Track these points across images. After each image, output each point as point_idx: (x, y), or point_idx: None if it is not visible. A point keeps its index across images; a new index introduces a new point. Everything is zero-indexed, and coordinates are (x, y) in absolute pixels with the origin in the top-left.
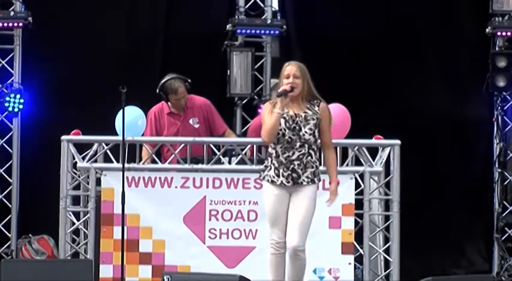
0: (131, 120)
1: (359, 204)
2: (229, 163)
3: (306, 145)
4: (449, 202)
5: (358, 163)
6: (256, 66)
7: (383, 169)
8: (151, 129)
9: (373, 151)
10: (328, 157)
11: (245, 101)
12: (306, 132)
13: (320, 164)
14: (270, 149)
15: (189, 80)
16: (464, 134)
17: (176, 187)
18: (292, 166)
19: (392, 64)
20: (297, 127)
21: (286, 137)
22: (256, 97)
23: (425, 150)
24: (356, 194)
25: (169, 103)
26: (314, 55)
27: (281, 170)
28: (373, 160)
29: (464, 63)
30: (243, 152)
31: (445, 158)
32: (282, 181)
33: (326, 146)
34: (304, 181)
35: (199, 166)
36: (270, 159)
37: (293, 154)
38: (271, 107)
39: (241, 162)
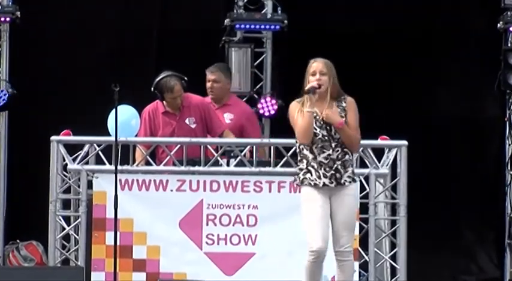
0: (124, 120)
1: (364, 208)
2: (228, 164)
3: (340, 144)
4: (458, 206)
5: (363, 164)
6: (256, 63)
7: (389, 171)
8: (146, 130)
9: (379, 152)
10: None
11: (244, 99)
12: (336, 131)
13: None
14: (304, 151)
15: (185, 78)
16: (475, 134)
17: (172, 190)
18: (335, 166)
19: (399, 61)
20: (328, 127)
21: (319, 136)
22: (256, 95)
23: (433, 151)
24: (361, 198)
25: (164, 102)
26: (313, 49)
27: (322, 171)
28: (379, 162)
29: (474, 60)
30: (242, 153)
31: (454, 160)
32: (324, 183)
33: None
34: (346, 180)
35: (196, 168)
36: (305, 161)
37: (331, 154)
38: (300, 107)
39: (240, 164)
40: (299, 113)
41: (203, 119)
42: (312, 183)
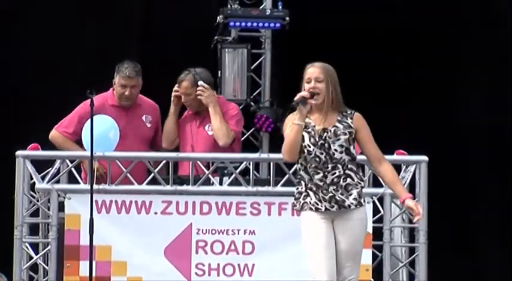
0: (101, 132)
1: (378, 234)
2: (220, 183)
3: (340, 166)
4: (485, 231)
5: (376, 183)
6: (253, 67)
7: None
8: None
9: (395, 170)
10: (386, 172)
11: (240, 108)
12: (336, 150)
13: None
14: (301, 172)
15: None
16: (503, 148)
17: (156, 213)
18: (330, 189)
19: (417, 65)
20: (326, 144)
21: (312, 155)
22: (253, 104)
23: (456, 167)
24: (374, 222)
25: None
26: (320, 51)
27: (320, 194)
28: None
29: (502, 65)
30: (237, 170)
31: (480, 177)
32: (326, 206)
33: (376, 160)
34: (352, 204)
35: (184, 187)
36: (303, 183)
37: (326, 177)
38: (293, 119)
39: (235, 182)
40: (290, 126)
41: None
42: (313, 207)
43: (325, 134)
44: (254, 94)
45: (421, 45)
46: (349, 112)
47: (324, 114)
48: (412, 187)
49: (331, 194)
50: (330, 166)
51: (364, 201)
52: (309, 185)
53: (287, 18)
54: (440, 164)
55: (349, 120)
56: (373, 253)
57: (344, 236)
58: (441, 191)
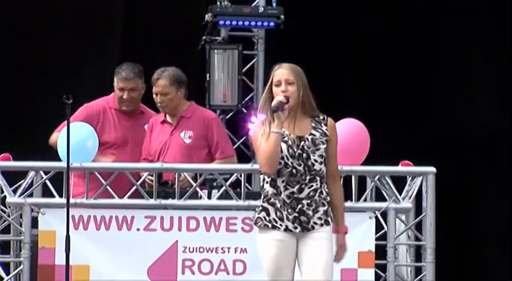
0: (79, 141)
1: (381, 252)
2: (209, 197)
3: (318, 178)
4: (498, 251)
5: (379, 197)
6: (244, 69)
7: (413, 206)
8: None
9: (400, 182)
10: (335, 194)
11: (230, 115)
12: (315, 160)
13: None
14: (265, 184)
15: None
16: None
17: (138, 230)
18: (300, 206)
19: (424, 67)
20: (304, 154)
21: (290, 168)
22: (244, 110)
23: (466, 180)
24: (377, 239)
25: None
26: (317, 52)
27: (285, 212)
28: (400, 194)
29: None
30: (227, 182)
31: (492, 191)
32: (287, 226)
33: (331, 177)
34: (316, 224)
35: (169, 201)
36: (263, 197)
37: (301, 190)
38: (264, 128)
39: (225, 196)
40: (263, 136)
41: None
42: (271, 225)
43: (302, 143)
44: (246, 99)
45: (422, 49)
46: (321, 117)
47: (295, 120)
48: (418, 200)
49: (295, 214)
50: (308, 178)
51: (330, 219)
52: (272, 200)
53: (282, 17)
54: (446, 174)
55: (324, 127)
56: (376, 273)
57: (311, 255)
58: (446, 204)
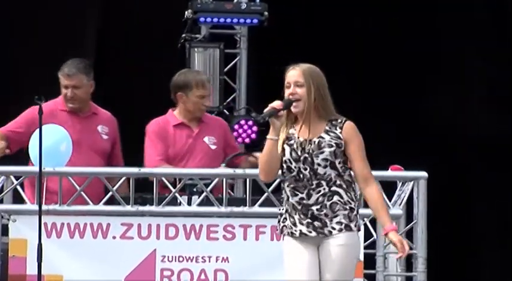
0: (51, 145)
1: (370, 261)
2: (189, 203)
3: (324, 182)
4: (490, 259)
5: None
6: (226, 69)
7: (403, 212)
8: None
9: (390, 187)
10: (371, 196)
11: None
12: (318, 164)
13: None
14: (283, 190)
15: None
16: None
17: (114, 238)
18: (311, 212)
19: (417, 69)
20: (309, 158)
21: (294, 173)
22: (226, 111)
23: (459, 185)
24: (366, 248)
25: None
26: (304, 51)
27: (296, 217)
28: (390, 200)
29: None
30: (208, 188)
31: (487, 197)
32: (301, 231)
33: (362, 179)
34: (334, 229)
35: (147, 207)
36: (283, 204)
37: (309, 196)
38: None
39: (206, 202)
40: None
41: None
42: (290, 232)
43: (309, 146)
44: (228, 100)
45: (416, 47)
46: (339, 121)
47: (309, 123)
48: (409, 207)
49: (309, 219)
50: (314, 182)
51: (355, 224)
52: (286, 206)
53: (266, 13)
54: (439, 178)
55: (338, 130)
56: None
57: (326, 266)
58: (439, 211)
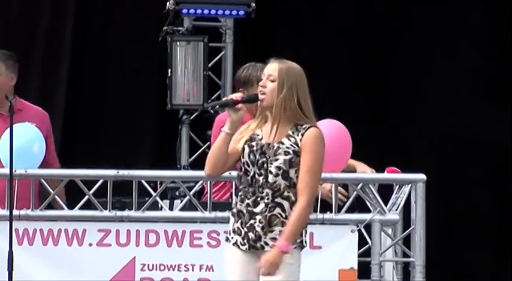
0: (23, 145)
1: (364, 270)
2: (171, 208)
3: (270, 192)
4: (492, 267)
5: (363, 208)
6: (211, 64)
7: (400, 218)
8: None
9: (386, 191)
10: (293, 212)
11: (194, 115)
12: (270, 172)
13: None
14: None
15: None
16: None
17: (91, 245)
18: (252, 222)
19: (413, 67)
20: (265, 164)
21: (249, 176)
22: (211, 110)
23: (458, 188)
24: (360, 255)
25: None
26: (292, 45)
27: (237, 225)
28: (386, 204)
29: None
30: (191, 191)
31: (486, 200)
32: (236, 241)
33: (298, 192)
34: (267, 244)
35: (126, 212)
36: (232, 204)
37: (256, 204)
38: (245, 128)
39: (189, 207)
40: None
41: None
42: (226, 237)
43: (268, 150)
44: (212, 98)
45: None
46: (303, 126)
47: (277, 126)
48: (406, 211)
49: (245, 230)
50: (264, 191)
51: (294, 242)
52: (234, 210)
53: (253, 5)
54: (437, 181)
55: (299, 137)
56: None
57: None
58: (438, 214)
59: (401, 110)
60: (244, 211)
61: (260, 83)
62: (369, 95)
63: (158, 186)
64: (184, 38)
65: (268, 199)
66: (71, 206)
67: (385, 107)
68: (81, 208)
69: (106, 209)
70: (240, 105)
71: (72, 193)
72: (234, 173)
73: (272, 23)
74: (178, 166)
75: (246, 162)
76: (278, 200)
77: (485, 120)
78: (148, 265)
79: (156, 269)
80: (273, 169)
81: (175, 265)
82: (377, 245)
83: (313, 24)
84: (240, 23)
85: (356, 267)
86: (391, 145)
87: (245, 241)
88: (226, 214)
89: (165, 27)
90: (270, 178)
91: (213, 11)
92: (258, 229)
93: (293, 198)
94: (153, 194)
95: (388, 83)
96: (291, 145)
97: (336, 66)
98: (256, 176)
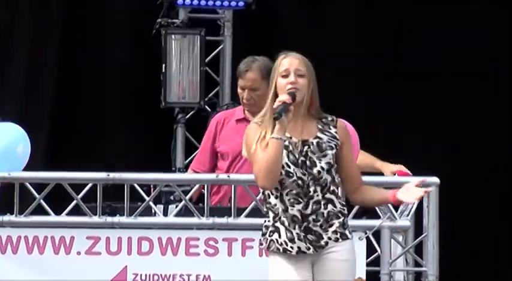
0: (6, 146)
1: (374, 279)
2: (165, 213)
3: (319, 188)
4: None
5: (372, 213)
6: (208, 59)
7: (412, 224)
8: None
9: None
10: (368, 187)
11: (190, 114)
12: (322, 168)
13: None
14: (271, 199)
15: None
16: None
17: (79, 253)
18: (306, 224)
19: (421, 64)
20: (308, 162)
21: (294, 178)
22: (208, 108)
23: (470, 191)
24: (369, 264)
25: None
26: (295, 38)
27: (295, 232)
28: (396, 210)
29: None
30: (187, 196)
31: (502, 207)
32: (300, 248)
33: (358, 182)
34: (330, 239)
35: (117, 218)
36: (272, 215)
37: (307, 205)
38: (261, 131)
39: (185, 212)
40: (260, 142)
41: None
42: (282, 249)
43: (306, 148)
44: (210, 95)
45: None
46: (330, 119)
47: (301, 121)
48: (418, 217)
49: (303, 233)
50: (311, 189)
51: (348, 232)
52: (282, 218)
53: None
54: (451, 185)
55: (333, 130)
56: None
57: None
58: (452, 221)
59: (413, 109)
60: (298, 215)
61: (289, 81)
62: (374, 95)
63: (152, 190)
64: (180, 31)
65: (318, 196)
66: (58, 212)
67: (397, 105)
68: (68, 214)
69: (96, 214)
70: (291, 107)
71: (59, 198)
72: (233, 176)
73: (273, 14)
74: (173, 169)
75: (287, 163)
76: (327, 196)
77: (485, 120)
78: (141, 274)
79: (150, 279)
80: (323, 165)
81: (169, 275)
82: (387, 253)
83: (317, 16)
84: (240, 15)
85: (364, 277)
86: (403, 146)
87: (308, 244)
88: (225, 219)
89: (159, 20)
90: (324, 175)
91: (210, 2)
92: (316, 228)
93: (336, 191)
94: (146, 198)
95: (396, 83)
96: (331, 139)
97: (339, 60)
98: (301, 176)
